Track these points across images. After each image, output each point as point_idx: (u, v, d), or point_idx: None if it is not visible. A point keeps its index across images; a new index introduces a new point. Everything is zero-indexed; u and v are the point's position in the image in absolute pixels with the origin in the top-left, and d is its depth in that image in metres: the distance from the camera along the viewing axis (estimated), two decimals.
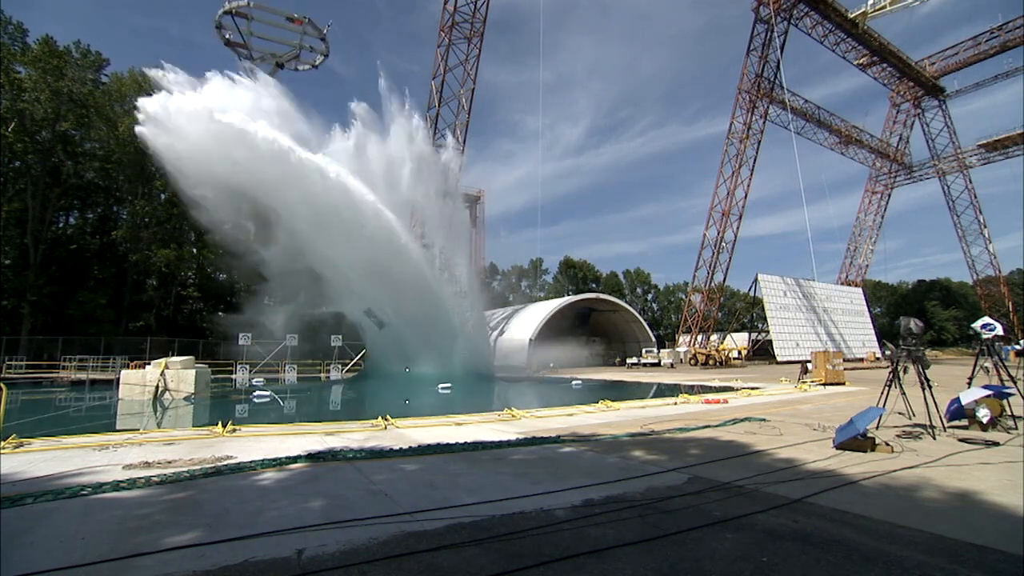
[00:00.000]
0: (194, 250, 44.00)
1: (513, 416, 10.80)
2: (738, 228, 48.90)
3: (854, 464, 5.94)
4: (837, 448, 6.82)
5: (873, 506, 4.34)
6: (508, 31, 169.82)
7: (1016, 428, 8.28)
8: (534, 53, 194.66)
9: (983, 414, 8.25)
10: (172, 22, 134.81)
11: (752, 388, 18.58)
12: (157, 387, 16.90)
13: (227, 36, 27.78)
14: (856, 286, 66.02)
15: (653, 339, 54.84)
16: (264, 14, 28.75)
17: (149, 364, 18.43)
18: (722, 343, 50.35)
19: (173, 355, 29.32)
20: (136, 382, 17.33)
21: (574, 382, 25.22)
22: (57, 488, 4.91)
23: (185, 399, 16.76)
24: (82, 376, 27.11)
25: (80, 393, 21.62)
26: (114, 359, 29.06)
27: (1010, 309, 63.68)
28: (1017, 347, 30.33)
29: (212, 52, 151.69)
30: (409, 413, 11.98)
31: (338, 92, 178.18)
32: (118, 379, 18.34)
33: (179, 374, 17.54)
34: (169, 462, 6.27)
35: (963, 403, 8.44)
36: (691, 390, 18.29)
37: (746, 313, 58.56)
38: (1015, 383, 9.19)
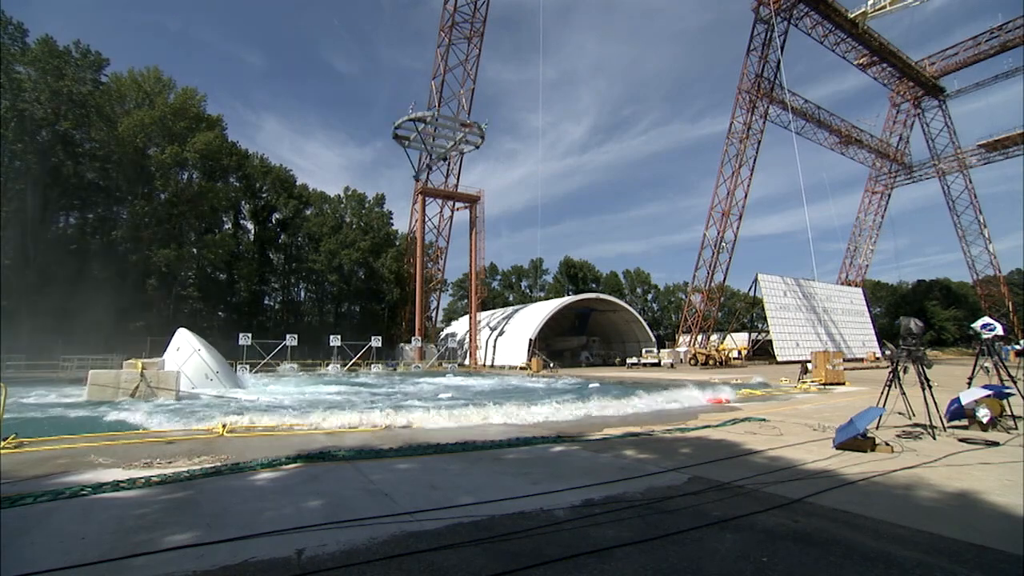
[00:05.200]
0: (194, 250, 44.00)
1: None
2: (738, 228, 48.97)
3: (854, 464, 5.94)
4: (837, 448, 6.82)
5: (873, 506, 4.34)
6: (511, 27, 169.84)
7: (1016, 428, 8.28)
8: (537, 50, 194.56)
9: (983, 414, 8.26)
10: (170, 17, 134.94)
11: (756, 387, 18.54)
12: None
13: (397, 131, 30.24)
14: (856, 286, 66.01)
15: (653, 339, 54.81)
16: (442, 119, 30.58)
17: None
18: (722, 343, 50.32)
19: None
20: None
21: (561, 381, 25.29)
22: (57, 488, 4.91)
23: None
24: (81, 375, 27.05)
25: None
26: (114, 359, 29.05)
27: (1010, 309, 63.67)
28: (1017, 347, 30.36)
29: (211, 49, 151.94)
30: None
31: (339, 90, 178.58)
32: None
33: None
34: (169, 462, 6.27)
35: (963, 403, 8.45)
36: (691, 390, 18.23)
37: (746, 313, 58.52)
38: (1015, 383, 9.20)
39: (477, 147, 35.31)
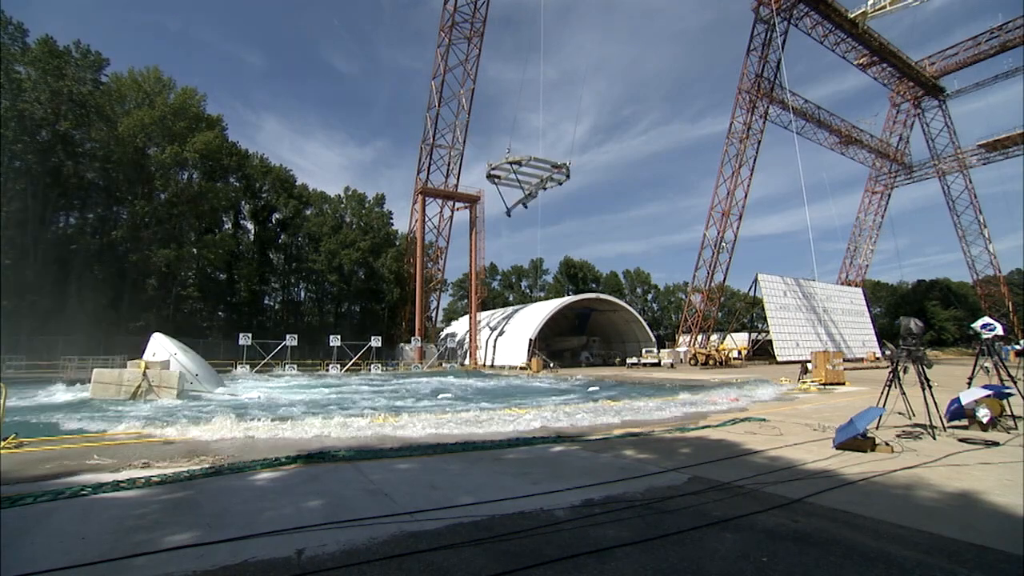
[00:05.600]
0: (194, 250, 43.97)
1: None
2: (738, 228, 48.97)
3: (854, 464, 5.94)
4: (837, 448, 6.82)
5: (873, 506, 4.34)
6: (511, 27, 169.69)
7: (1016, 428, 8.28)
8: (538, 49, 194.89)
9: (983, 414, 8.25)
10: (170, 17, 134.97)
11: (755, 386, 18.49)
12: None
13: (493, 171, 34.79)
14: (856, 286, 66.01)
15: (653, 339, 54.80)
16: (535, 161, 34.69)
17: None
18: (722, 343, 50.33)
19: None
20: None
21: (565, 382, 25.31)
22: (57, 488, 4.91)
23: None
24: (82, 376, 27.03)
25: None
26: (114, 359, 29.02)
27: (1010, 309, 63.65)
28: (1017, 347, 30.35)
29: (211, 49, 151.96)
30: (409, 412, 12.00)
31: (339, 89, 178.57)
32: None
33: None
34: (168, 462, 6.27)
35: (963, 403, 8.44)
36: (692, 389, 18.25)
37: (746, 313, 58.52)
38: (1015, 383, 9.20)
39: (560, 184, 37.24)
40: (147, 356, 19.99)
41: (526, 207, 36.74)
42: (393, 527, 3.81)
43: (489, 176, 35.55)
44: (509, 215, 36.98)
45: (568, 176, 36.95)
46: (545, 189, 38.98)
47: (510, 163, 34.09)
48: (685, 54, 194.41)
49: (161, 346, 20.64)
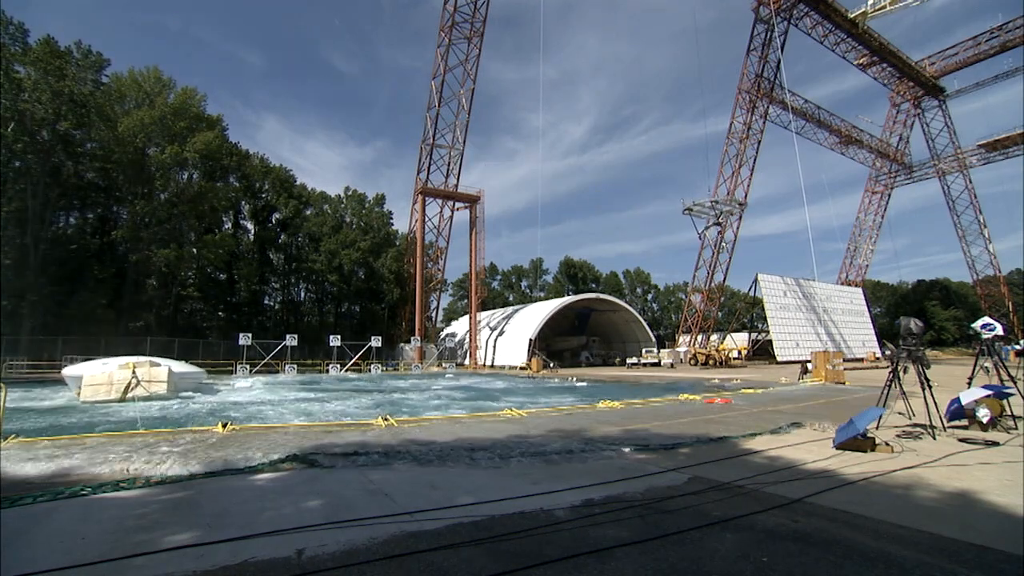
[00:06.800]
0: (194, 250, 43.96)
1: (513, 414, 10.79)
2: (738, 228, 49.00)
3: (854, 464, 5.94)
4: (837, 448, 6.82)
5: (873, 506, 4.34)
6: (511, 27, 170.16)
7: (1016, 428, 8.27)
8: (538, 49, 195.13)
9: (983, 414, 8.25)
10: (170, 17, 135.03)
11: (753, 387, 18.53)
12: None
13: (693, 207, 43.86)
14: (856, 286, 66.00)
15: (653, 339, 54.77)
16: (732, 202, 43.83)
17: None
18: (722, 343, 50.31)
19: (174, 355, 29.27)
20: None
21: (574, 380, 25.32)
22: (57, 488, 4.90)
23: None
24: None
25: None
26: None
27: (1010, 309, 63.66)
28: (1017, 347, 30.34)
29: (211, 49, 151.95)
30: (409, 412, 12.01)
31: (339, 89, 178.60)
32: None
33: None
34: (168, 462, 6.26)
35: (963, 403, 8.44)
36: (692, 389, 18.25)
37: (746, 313, 58.49)
38: (1015, 383, 9.20)
39: (732, 214, 47.26)
40: (72, 388, 17.35)
41: (720, 234, 45.66)
42: (393, 527, 3.81)
43: (686, 210, 44.17)
44: (701, 238, 46.35)
45: (743, 210, 46.13)
46: (722, 215, 47.29)
47: (711, 202, 44.38)
48: (685, 54, 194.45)
49: (72, 376, 17.86)
